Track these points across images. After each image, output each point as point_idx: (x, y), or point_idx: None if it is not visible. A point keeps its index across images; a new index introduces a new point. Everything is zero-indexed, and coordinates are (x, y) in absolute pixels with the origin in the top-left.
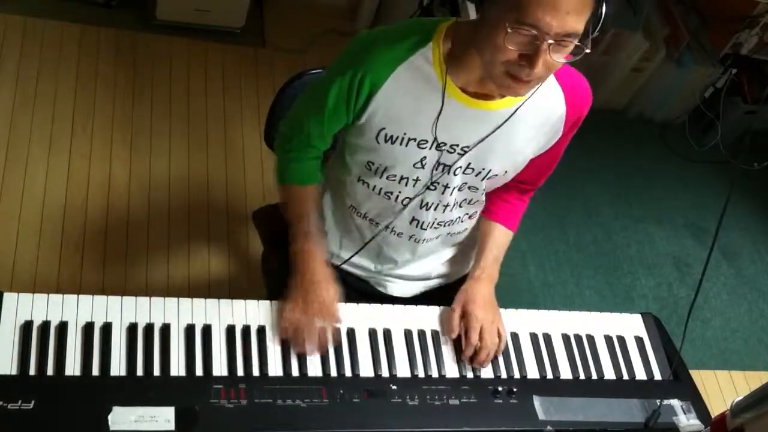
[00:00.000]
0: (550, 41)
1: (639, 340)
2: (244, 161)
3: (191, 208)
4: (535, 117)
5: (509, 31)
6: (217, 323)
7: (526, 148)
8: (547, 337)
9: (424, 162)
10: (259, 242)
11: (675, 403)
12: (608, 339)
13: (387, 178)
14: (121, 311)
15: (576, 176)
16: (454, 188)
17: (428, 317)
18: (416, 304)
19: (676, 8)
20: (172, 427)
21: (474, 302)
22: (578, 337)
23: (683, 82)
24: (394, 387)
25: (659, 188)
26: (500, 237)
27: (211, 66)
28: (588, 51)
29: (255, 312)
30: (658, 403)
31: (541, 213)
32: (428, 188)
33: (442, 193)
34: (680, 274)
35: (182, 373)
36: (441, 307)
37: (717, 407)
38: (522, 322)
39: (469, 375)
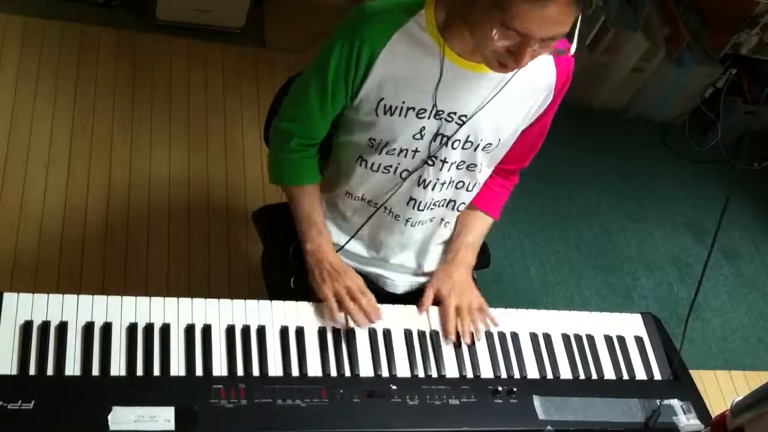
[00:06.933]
0: (536, 44)
1: (639, 340)
2: (244, 161)
3: (191, 208)
4: (529, 81)
5: (495, 33)
6: (217, 323)
7: (518, 111)
8: (547, 337)
9: (423, 132)
10: (259, 242)
11: (675, 403)
12: (608, 339)
13: (387, 153)
14: (121, 311)
15: (576, 176)
16: (452, 164)
17: (428, 317)
18: (415, 304)
19: (676, 8)
20: (172, 427)
21: (445, 287)
22: (578, 337)
23: (683, 82)
24: (394, 387)
25: (659, 188)
26: (478, 222)
27: (211, 66)
28: (572, 54)
29: (255, 312)
30: (658, 403)
31: (541, 213)
32: (426, 163)
33: (440, 170)
34: (680, 274)
35: (182, 373)
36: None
37: (717, 407)
38: (522, 322)
39: (469, 375)
